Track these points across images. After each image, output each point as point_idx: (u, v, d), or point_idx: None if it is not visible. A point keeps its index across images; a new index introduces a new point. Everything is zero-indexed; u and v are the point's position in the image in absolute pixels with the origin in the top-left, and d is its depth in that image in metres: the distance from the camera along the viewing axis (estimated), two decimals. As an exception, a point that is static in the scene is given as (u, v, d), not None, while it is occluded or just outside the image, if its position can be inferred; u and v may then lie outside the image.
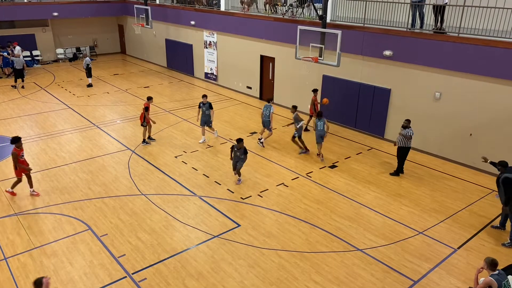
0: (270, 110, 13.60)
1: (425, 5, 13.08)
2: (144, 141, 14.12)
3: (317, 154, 13.11)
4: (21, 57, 21.39)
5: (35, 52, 26.41)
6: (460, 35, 12.00)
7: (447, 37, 12.24)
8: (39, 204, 10.29)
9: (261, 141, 13.97)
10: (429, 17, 13.15)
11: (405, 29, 13.26)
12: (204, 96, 14.16)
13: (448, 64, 12.34)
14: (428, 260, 8.48)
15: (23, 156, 10.46)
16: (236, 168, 11.34)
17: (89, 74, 21.23)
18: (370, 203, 10.63)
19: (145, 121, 13.74)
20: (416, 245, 8.97)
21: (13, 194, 10.72)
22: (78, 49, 28.51)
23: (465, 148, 12.62)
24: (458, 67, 12.16)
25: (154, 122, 13.90)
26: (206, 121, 14.19)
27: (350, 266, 8.25)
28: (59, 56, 27.64)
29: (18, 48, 22.50)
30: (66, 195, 10.72)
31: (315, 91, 15.15)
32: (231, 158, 11.42)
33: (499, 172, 9.13)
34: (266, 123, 13.83)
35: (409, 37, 13.06)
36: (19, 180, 10.61)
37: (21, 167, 10.34)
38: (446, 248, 8.88)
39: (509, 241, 9.00)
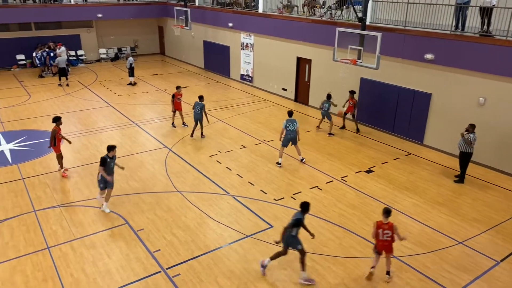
0: (297, 125, 12.25)
1: (469, 7, 12.61)
2: (172, 123, 15.88)
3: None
4: (64, 56, 22.38)
5: (79, 52, 27.54)
6: (508, 38, 11.48)
7: (494, 40, 11.74)
8: (80, 198, 10.70)
9: (302, 160, 12.83)
10: (474, 20, 12.65)
11: (448, 32, 12.82)
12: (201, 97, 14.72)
13: (494, 68, 11.83)
14: (468, 271, 8.14)
15: (61, 134, 11.61)
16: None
17: (131, 74, 21.95)
18: (407, 210, 10.34)
19: (173, 107, 15.42)
20: (456, 255, 8.64)
21: (65, 175, 11.81)
22: (119, 50, 29.48)
23: (510, 156, 12.03)
24: (505, 71, 11.62)
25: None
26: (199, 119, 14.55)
27: (385, 273, 8.04)
28: (102, 56, 28.68)
29: (62, 48, 23.64)
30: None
31: (352, 92, 14.94)
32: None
33: None
34: (294, 140, 12.36)
35: (453, 40, 12.63)
36: (60, 156, 11.74)
37: (57, 144, 11.54)
38: (488, 260, 8.49)
39: None
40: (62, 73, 21.73)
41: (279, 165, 12.58)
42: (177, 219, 9.78)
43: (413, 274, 8.04)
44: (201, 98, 14.50)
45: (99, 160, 12.70)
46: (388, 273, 7.86)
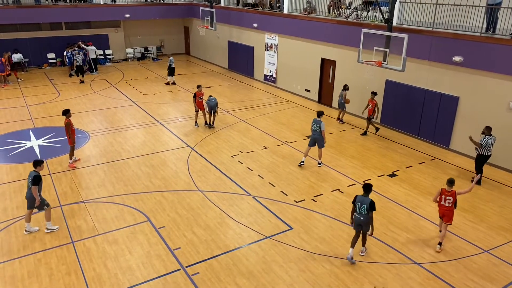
0: (320, 127, 12.08)
1: (500, 9, 12.21)
2: (195, 123, 16.13)
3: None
4: (80, 55, 23.16)
5: (107, 51, 28.18)
6: (542, 41, 11.06)
7: (527, 43, 11.33)
8: (104, 194, 10.95)
9: (319, 164, 12.71)
10: (506, 22, 12.24)
11: (478, 34, 12.46)
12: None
13: (526, 72, 11.42)
14: (493, 281, 7.89)
15: (73, 126, 12.15)
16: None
17: (171, 73, 22.42)
18: (431, 215, 10.10)
19: (196, 107, 15.75)
20: (481, 264, 8.38)
21: (73, 166, 12.41)
22: (146, 49, 30.00)
23: (541, 163, 11.60)
24: (537, 75, 11.21)
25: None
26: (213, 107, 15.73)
27: (406, 279, 7.90)
28: (129, 56, 29.26)
29: (91, 47, 24.60)
30: (129, 187, 11.31)
31: (374, 94, 14.73)
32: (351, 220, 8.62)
33: None
34: (318, 141, 12.30)
35: (483, 43, 12.26)
36: (73, 148, 12.37)
37: (72, 136, 12.07)
38: (515, 270, 8.22)
39: None
40: (80, 70, 22.64)
41: (301, 163, 12.58)
42: (197, 218, 9.88)
43: (435, 281, 7.86)
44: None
45: (123, 157, 13.12)
46: (440, 244, 8.71)
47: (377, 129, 15.42)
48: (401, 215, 10.13)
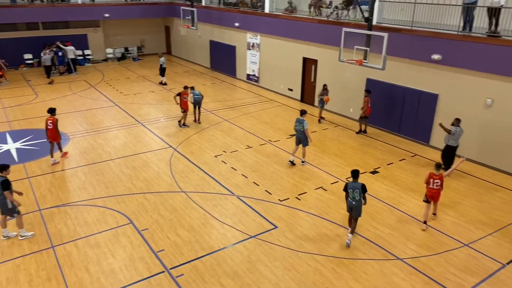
0: (304, 125, 12.12)
1: (476, 8, 12.48)
2: (184, 124, 15.92)
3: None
4: (49, 55, 22.77)
5: (86, 52, 27.69)
6: (517, 38, 11.36)
7: (502, 41, 11.61)
8: (85, 197, 10.75)
9: (303, 163, 12.73)
10: (482, 20, 12.52)
11: (455, 32, 12.71)
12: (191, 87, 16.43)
13: (502, 69, 11.70)
14: (473, 274, 8.06)
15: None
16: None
17: (162, 73, 22.20)
18: (412, 211, 10.26)
19: (182, 106, 15.60)
20: (461, 257, 8.55)
21: (65, 155, 13.10)
22: (126, 49, 29.60)
23: (518, 158, 11.92)
24: (513, 72, 11.51)
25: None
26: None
27: (389, 275, 7.99)
28: (109, 56, 28.82)
29: (69, 47, 24.14)
30: (110, 189, 11.14)
31: (368, 91, 14.80)
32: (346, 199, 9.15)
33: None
34: (302, 140, 12.36)
35: (460, 41, 12.51)
36: (58, 144, 12.76)
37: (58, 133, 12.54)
38: (494, 263, 8.40)
39: None
40: (47, 71, 22.40)
41: (291, 162, 12.68)
42: (181, 219, 9.79)
43: (418, 276, 7.98)
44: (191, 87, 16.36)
45: (104, 159, 12.91)
46: (434, 214, 9.83)
47: (361, 130, 15.55)
48: (383, 211, 10.25)
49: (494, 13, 11.90)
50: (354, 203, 8.71)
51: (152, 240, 8.96)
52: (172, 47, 30.93)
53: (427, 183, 9.35)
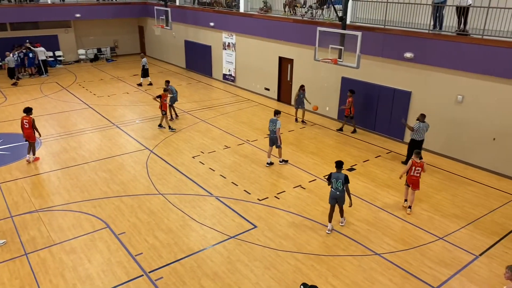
0: (276, 125, 12.09)
1: (445, 7, 12.83)
2: (161, 125, 15.70)
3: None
4: (12, 57, 22.28)
5: (57, 53, 26.97)
6: (484, 37, 11.72)
7: (471, 39, 11.97)
8: (59, 202, 10.47)
9: (280, 162, 12.69)
10: (452, 19, 12.89)
11: (426, 31, 13.02)
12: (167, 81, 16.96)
13: (471, 66, 12.06)
14: (448, 266, 8.28)
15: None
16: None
17: (144, 74, 21.89)
18: (389, 207, 10.46)
19: (163, 109, 15.33)
20: (436, 250, 8.77)
21: (37, 160, 12.74)
22: (99, 50, 29.00)
23: (488, 152, 12.31)
24: (481, 69, 11.87)
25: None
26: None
27: (368, 270, 8.12)
28: (81, 57, 28.17)
29: (40, 48, 23.45)
30: (86, 193, 10.89)
31: (352, 91, 14.95)
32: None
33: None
34: (274, 141, 12.31)
35: (431, 39, 12.83)
36: (33, 144, 12.63)
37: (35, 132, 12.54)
38: (468, 254, 8.65)
39: None
40: (11, 73, 21.97)
41: (267, 165, 12.60)
42: (159, 221, 9.66)
43: (395, 270, 8.13)
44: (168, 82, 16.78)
45: (79, 163, 12.61)
46: (409, 207, 10.16)
47: (341, 129, 15.72)
48: (360, 207, 10.41)
49: (462, 12, 12.26)
50: (337, 193, 9.03)
51: (130, 244, 8.81)
52: (147, 47, 30.49)
53: (409, 170, 9.89)
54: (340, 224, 9.58)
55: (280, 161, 12.74)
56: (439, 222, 9.83)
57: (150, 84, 22.10)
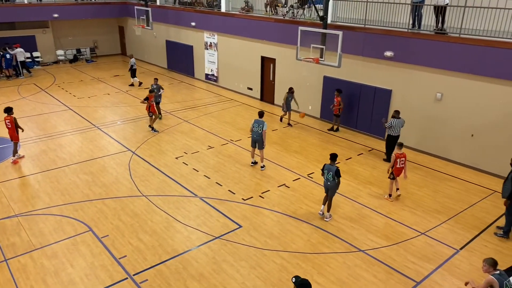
0: (263, 128, 11.91)
1: (423, 6, 13.07)
2: (153, 128, 15.41)
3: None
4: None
5: (35, 54, 26.39)
6: (461, 35, 11.99)
7: (448, 38, 12.22)
8: (40, 206, 10.25)
9: (262, 168, 12.37)
10: (430, 18, 13.13)
11: (405, 30, 13.24)
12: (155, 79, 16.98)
13: (449, 64, 12.32)
14: (430, 261, 8.44)
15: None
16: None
17: (133, 74, 21.66)
18: (372, 204, 10.59)
19: (150, 110, 15.08)
20: (419, 246, 8.93)
21: (16, 162, 12.56)
22: (78, 51, 28.51)
23: (466, 148, 12.59)
24: (459, 67, 12.14)
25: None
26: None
27: (353, 267, 8.21)
28: (60, 58, 27.63)
29: (18, 49, 22.89)
30: (67, 196, 10.69)
31: (339, 91, 15.03)
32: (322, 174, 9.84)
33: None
34: (258, 143, 12.13)
35: (410, 38, 13.05)
36: (16, 145, 12.63)
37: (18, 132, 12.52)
38: (449, 249, 8.83)
39: (502, 232, 9.25)
40: None
41: (252, 164, 12.59)
42: (143, 224, 9.56)
43: (379, 266, 8.24)
44: (155, 80, 16.78)
45: (59, 166, 12.37)
46: (397, 189, 10.87)
47: (334, 129, 15.75)
48: (344, 205, 10.51)
49: (440, 11, 12.50)
50: (328, 183, 9.58)
51: (113, 247, 8.69)
52: (127, 48, 30.10)
53: (395, 163, 10.41)
54: (325, 219, 9.73)
55: (261, 167, 12.40)
56: (421, 218, 10.01)
57: (139, 84, 21.82)
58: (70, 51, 28.14)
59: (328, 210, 9.84)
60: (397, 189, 10.92)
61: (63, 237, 8.99)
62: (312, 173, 12.18)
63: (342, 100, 15.10)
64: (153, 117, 15.23)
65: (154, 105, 15.21)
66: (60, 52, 27.64)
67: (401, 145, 10.61)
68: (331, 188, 9.61)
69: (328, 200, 9.80)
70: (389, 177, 10.71)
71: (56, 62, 27.56)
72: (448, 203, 10.68)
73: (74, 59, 28.05)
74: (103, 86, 21.80)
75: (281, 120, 16.65)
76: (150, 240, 8.96)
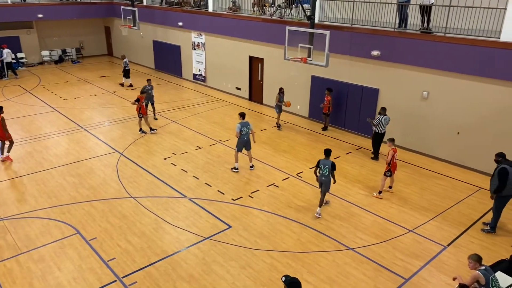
0: (250, 127, 11.85)
1: (409, 6, 13.21)
2: (140, 130, 15.20)
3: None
4: None
5: (19, 55, 25.96)
6: (447, 35, 12.14)
7: (434, 37, 12.37)
8: (26, 209, 10.09)
9: (251, 168, 12.34)
10: (416, 17, 13.28)
11: (392, 29, 13.36)
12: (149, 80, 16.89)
13: (435, 63, 12.47)
14: (418, 257, 8.53)
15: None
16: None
17: (126, 75, 21.44)
18: (360, 202, 10.67)
19: (140, 112, 14.90)
20: (407, 243, 9.02)
21: (8, 159, 12.60)
22: (64, 51, 28.15)
23: (453, 146, 12.76)
24: (444, 66, 12.29)
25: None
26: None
27: (342, 265, 8.26)
28: (45, 59, 27.23)
29: (6, 50, 22.51)
30: (54, 199, 10.54)
31: (330, 90, 15.04)
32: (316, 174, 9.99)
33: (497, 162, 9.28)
34: (248, 143, 12.06)
35: (396, 37, 13.17)
36: (11, 143, 12.58)
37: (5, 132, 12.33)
38: (436, 245, 8.94)
39: (488, 227, 9.41)
40: None
41: (236, 170, 12.17)
42: (131, 225, 9.48)
43: (368, 264, 8.30)
44: (149, 81, 16.60)
45: (45, 168, 12.20)
46: (390, 187, 11.15)
47: (326, 127, 15.83)
48: (333, 203, 10.56)
49: (425, 10, 12.65)
50: (323, 178, 9.66)
51: (102, 249, 8.60)
52: (114, 48, 29.83)
53: (392, 158, 10.52)
54: (316, 215, 9.84)
55: (250, 167, 12.35)
56: (409, 215, 10.11)
57: (130, 85, 21.60)
58: (55, 52, 27.76)
59: (320, 205, 9.97)
60: (390, 187, 11.12)
61: (50, 240, 8.87)
62: (301, 172, 12.22)
63: (331, 99, 15.17)
64: (143, 118, 15.05)
65: (144, 106, 15.02)
66: (45, 52, 27.25)
67: (393, 140, 10.73)
68: (325, 183, 9.70)
69: (322, 195, 9.91)
70: (385, 174, 10.75)
71: (41, 63, 27.16)
72: (435, 200, 10.81)
73: (60, 60, 27.69)
74: (90, 87, 21.55)
75: (279, 127, 15.90)
76: (139, 242, 8.89)
